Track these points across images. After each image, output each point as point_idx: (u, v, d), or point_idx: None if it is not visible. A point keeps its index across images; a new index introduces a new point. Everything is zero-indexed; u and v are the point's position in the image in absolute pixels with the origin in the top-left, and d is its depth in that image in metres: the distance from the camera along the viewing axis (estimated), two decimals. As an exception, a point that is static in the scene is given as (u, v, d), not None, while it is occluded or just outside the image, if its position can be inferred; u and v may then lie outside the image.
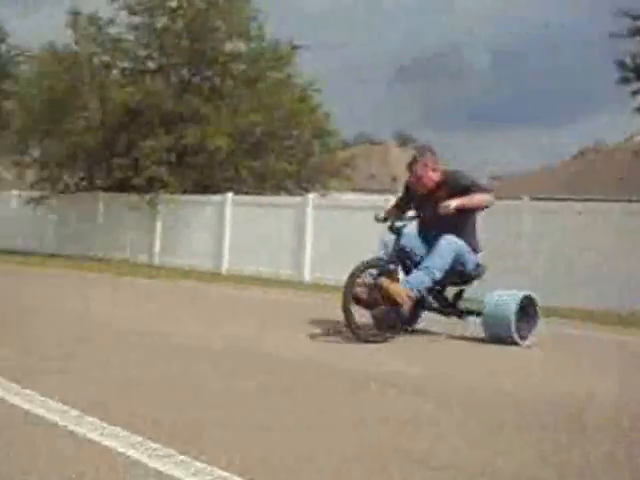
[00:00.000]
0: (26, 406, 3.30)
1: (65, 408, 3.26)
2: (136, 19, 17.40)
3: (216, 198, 15.29)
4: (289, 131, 17.42)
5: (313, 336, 5.95)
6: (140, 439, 2.83)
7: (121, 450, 2.70)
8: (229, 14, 16.92)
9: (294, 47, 17.35)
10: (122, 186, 16.65)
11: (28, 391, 3.55)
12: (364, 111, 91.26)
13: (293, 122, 17.11)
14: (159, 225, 16.23)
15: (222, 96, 17.07)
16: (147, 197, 16.06)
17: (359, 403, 3.72)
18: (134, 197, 16.19)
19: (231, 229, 14.80)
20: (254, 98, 16.67)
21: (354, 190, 21.61)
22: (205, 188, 16.16)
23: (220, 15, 16.89)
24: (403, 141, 57.67)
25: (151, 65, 17.99)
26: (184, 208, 15.81)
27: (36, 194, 18.38)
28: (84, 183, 18.58)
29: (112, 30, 17.55)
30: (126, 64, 18.14)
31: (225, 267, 14.61)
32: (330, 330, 6.22)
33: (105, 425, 3.00)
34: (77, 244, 17.43)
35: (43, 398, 3.43)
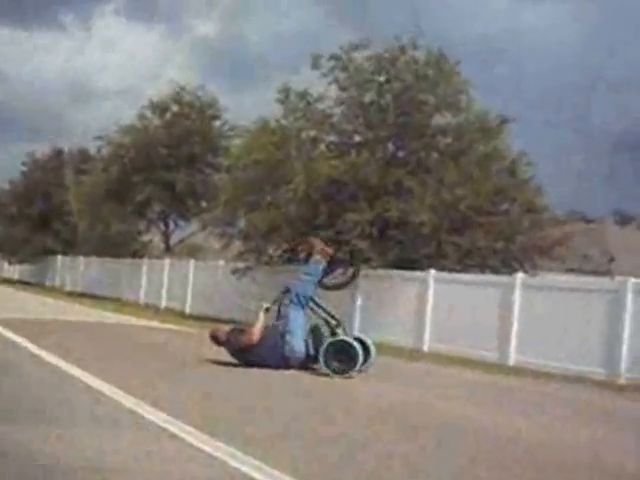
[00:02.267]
0: None
1: None
2: (344, 94, 18.13)
3: (418, 274, 15.38)
4: (497, 206, 17.22)
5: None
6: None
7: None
8: (437, 86, 17.19)
9: (503, 121, 17.29)
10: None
11: None
12: (578, 187, 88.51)
13: (501, 197, 16.95)
14: (359, 299, 16.53)
15: (427, 170, 17.23)
16: (349, 271, 16.41)
17: None
18: (338, 271, 16.60)
19: (433, 307, 14.79)
20: (460, 172, 16.69)
21: (567, 271, 20.93)
22: (407, 263, 16.27)
23: (428, 88, 17.20)
24: (622, 219, 55.00)
25: (357, 139, 18.55)
26: (385, 283, 16.02)
27: (241, 265, 19.35)
28: (287, 255, 19.30)
29: (321, 105, 18.37)
30: (332, 138, 18.84)
31: (426, 345, 14.58)
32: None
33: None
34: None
35: None
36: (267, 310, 9.38)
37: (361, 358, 8.72)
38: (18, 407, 5.08)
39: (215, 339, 9.21)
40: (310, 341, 9.08)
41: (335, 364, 8.72)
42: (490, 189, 16.45)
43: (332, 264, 10.08)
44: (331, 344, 8.83)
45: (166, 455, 3.99)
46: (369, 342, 9.36)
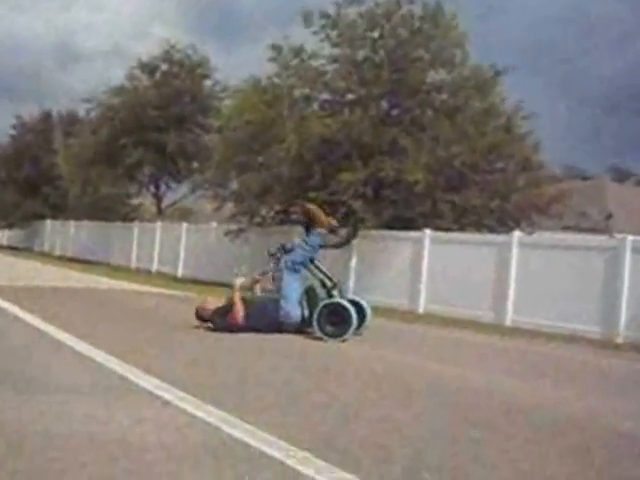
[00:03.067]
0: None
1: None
2: (336, 51, 17.94)
3: (413, 234, 15.36)
4: (492, 164, 17.16)
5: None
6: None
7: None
8: (433, 41, 17.01)
9: (497, 72, 17.13)
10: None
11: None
12: (575, 143, 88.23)
13: (497, 154, 16.88)
14: (354, 260, 16.51)
15: (422, 128, 17.13)
16: (343, 231, 16.38)
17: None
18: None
19: (428, 267, 14.79)
20: (455, 129, 16.59)
21: (564, 228, 20.92)
22: (402, 223, 16.24)
23: (423, 43, 17.03)
24: (620, 176, 54.86)
25: (350, 97, 18.40)
26: (379, 243, 15.99)
27: (233, 227, 19.32)
28: (280, 216, 19.26)
29: (314, 63, 18.19)
30: (325, 96, 18.70)
31: (422, 307, 14.60)
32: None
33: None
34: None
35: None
36: (257, 281, 9.46)
37: (355, 321, 8.67)
38: (4, 374, 5.04)
39: (201, 318, 9.17)
40: (305, 303, 9.05)
41: (329, 328, 8.69)
42: (486, 146, 16.37)
43: (333, 232, 9.98)
44: (325, 307, 8.79)
45: (158, 422, 3.96)
46: (364, 304, 9.34)
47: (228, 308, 9.00)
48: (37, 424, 3.73)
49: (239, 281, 9.25)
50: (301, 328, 8.96)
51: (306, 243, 9.34)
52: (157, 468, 3.13)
